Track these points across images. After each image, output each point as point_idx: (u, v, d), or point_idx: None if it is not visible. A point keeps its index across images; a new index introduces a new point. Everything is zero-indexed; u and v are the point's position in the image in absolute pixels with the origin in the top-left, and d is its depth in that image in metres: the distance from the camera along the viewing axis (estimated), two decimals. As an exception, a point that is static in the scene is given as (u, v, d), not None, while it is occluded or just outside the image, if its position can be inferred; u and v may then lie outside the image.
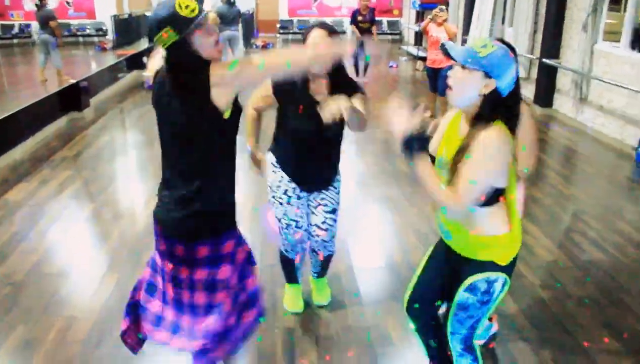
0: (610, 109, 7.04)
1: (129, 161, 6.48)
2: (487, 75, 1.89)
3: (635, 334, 3.11)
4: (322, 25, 2.74)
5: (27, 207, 4.85)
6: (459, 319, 2.22)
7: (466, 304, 2.16)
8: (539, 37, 8.97)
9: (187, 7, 1.81)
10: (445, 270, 2.28)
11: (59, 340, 3.01)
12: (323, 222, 3.03)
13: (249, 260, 2.21)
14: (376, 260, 3.98)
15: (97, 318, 3.23)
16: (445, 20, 7.52)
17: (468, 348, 2.29)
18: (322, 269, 3.35)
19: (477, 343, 2.83)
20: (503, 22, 10.93)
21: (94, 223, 4.61)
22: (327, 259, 3.27)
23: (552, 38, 8.42)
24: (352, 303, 3.42)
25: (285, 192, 2.95)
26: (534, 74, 9.12)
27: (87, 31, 18.60)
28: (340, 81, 2.76)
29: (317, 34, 2.67)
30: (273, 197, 2.99)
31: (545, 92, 8.68)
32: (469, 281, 2.12)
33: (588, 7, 7.32)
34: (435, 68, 7.62)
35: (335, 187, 3.04)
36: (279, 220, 3.03)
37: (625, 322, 3.23)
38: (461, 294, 2.16)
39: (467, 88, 1.93)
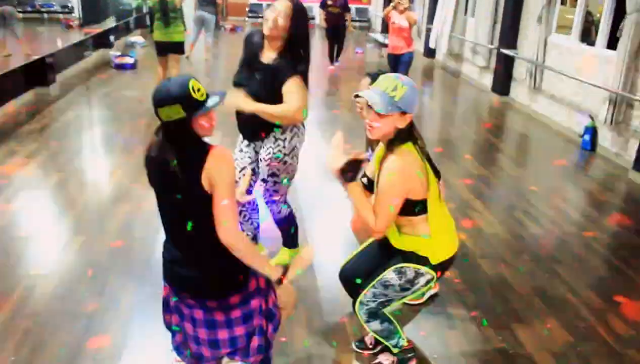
0: (561, 98, 7.43)
1: (95, 134, 6.58)
2: (404, 113, 2.22)
3: (562, 298, 3.44)
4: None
5: (-7, 176, 4.95)
6: (374, 293, 2.44)
7: (389, 283, 2.41)
8: (498, 27, 9.33)
9: (198, 90, 1.90)
10: (379, 255, 2.52)
11: (25, 296, 3.18)
12: (264, 175, 3.19)
13: (268, 282, 2.22)
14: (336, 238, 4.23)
15: (62, 275, 3.40)
16: (406, 8, 7.76)
17: (373, 314, 2.51)
18: (283, 237, 3.54)
19: (413, 301, 3.14)
20: (465, 13, 11.27)
21: (60, 191, 4.74)
22: (280, 224, 3.42)
23: (510, 29, 8.78)
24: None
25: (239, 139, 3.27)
26: (493, 63, 9.48)
27: (53, 8, 18.28)
28: (292, 53, 2.93)
29: (279, 4, 2.90)
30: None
31: (503, 81, 9.06)
32: (401, 265, 2.39)
33: (543, 0, 7.67)
34: (396, 54, 7.89)
35: (268, 157, 3.10)
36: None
37: (554, 289, 3.55)
38: (389, 273, 2.40)
39: (386, 128, 2.24)
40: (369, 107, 2.22)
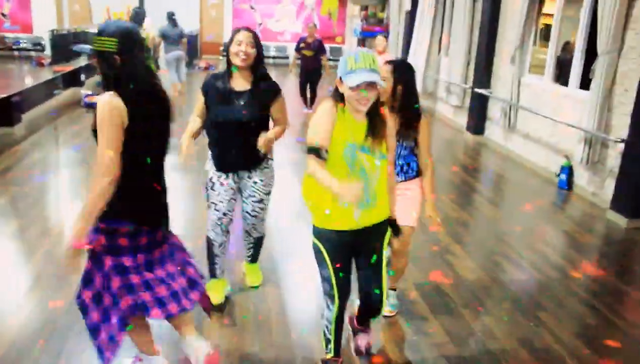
0: (536, 138, 7.43)
1: (60, 178, 6.31)
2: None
3: (548, 348, 3.29)
4: (248, 29, 3.29)
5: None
6: (386, 278, 2.73)
7: (387, 260, 2.73)
8: (472, 67, 9.41)
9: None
10: (353, 252, 2.68)
11: (-27, 359, 2.91)
12: (252, 210, 3.54)
13: None
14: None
15: (17, 334, 3.13)
16: (384, 48, 7.75)
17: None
18: (255, 252, 3.82)
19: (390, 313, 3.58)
20: (439, 52, 11.39)
21: (19, 240, 4.47)
22: (258, 242, 3.77)
23: (483, 69, 8.84)
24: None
25: (210, 179, 3.44)
26: (467, 102, 9.53)
27: (23, 45, 18.04)
28: (261, 80, 3.31)
29: (242, 36, 3.22)
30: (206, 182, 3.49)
31: (478, 121, 9.08)
32: (388, 238, 2.69)
33: (516, 41, 7.75)
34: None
35: (264, 178, 3.47)
36: (208, 202, 3.49)
37: (540, 339, 3.40)
38: (384, 254, 2.67)
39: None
40: (370, 86, 2.37)
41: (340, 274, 2.59)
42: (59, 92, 10.70)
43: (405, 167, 3.26)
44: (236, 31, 3.26)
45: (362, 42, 16.28)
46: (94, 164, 2.28)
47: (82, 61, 14.29)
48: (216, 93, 3.28)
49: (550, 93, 7.25)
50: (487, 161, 8.09)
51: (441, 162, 8.01)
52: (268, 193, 3.54)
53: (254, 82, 3.29)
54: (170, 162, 2.62)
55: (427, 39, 11.33)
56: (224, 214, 3.44)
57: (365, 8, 16.51)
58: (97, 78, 12.87)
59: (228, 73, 3.30)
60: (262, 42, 3.39)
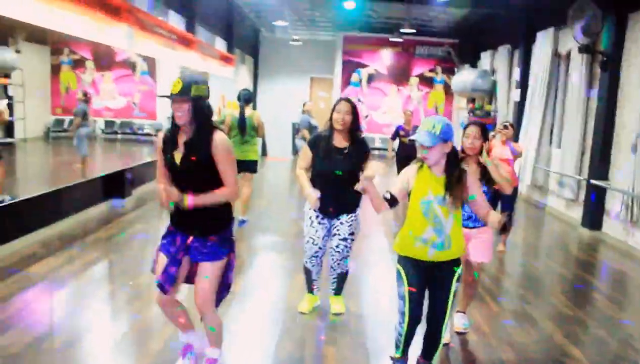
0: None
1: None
2: (445, 141, 3.02)
3: None
4: (347, 100, 4.09)
5: (48, 281, 4.78)
6: (452, 306, 3.17)
7: (456, 292, 3.19)
8: (587, 158, 8.78)
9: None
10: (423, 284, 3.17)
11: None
12: (337, 246, 4.22)
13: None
14: None
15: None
16: (509, 138, 6.88)
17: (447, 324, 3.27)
18: (338, 286, 4.42)
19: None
20: (550, 143, 10.82)
21: (108, 304, 4.46)
22: (342, 277, 4.39)
23: (600, 159, 8.21)
24: None
25: (309, 217, 4.22)
26: (582, 196, 8.83)
27: (146, 130, 19.54)
28: (356, 141, 4.12)
29: (342, 106, 4.04)
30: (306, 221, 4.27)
31: (594, 215, 8.32)
32: (460, 271, 3.16)
33: (637, 128, 7.14)
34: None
35: (350, 221, 4.18)
36: (305, 237, 4.29)
37: None
38: (454, 285, 3.14)
39: (436, 155, 3.04)
40: (421, 145, 3.03)
41: (413, 296, 3.12)
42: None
43: (474, 216, 3.84)
44: (337, 102, 4.11)
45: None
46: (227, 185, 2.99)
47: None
48: (319, 150, 4.09)
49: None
50: (606, 258, 7.30)
51: (553, 257, 7.34)
52: (352, 233, 4.21)
53: (350, 142, 4.09)
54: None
55: (537, 130, 10.84)
56: (320, 247, 4.22)
57: (472, 100, 16.33)
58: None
59: (330, 133, 4.10)
60: (367, 134, 3.94)
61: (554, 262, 7.01)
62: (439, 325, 3.18)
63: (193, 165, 2.91)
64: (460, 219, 3.11)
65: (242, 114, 7.05)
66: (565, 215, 9.56)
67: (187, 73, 3.02)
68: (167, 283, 3.00)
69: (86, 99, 10.57)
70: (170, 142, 2.98)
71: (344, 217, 4.16)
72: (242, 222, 7.19)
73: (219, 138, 2.93)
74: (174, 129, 2.98)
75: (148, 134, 19.50)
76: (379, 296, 4.92)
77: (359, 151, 4.08)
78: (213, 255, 3.00)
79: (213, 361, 3.23)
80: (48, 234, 6.22)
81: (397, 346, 3.29)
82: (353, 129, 4.08)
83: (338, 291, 4.46)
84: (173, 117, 2.95)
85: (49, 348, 3.58)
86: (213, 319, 3.16)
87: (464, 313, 4.27)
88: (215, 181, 2.96)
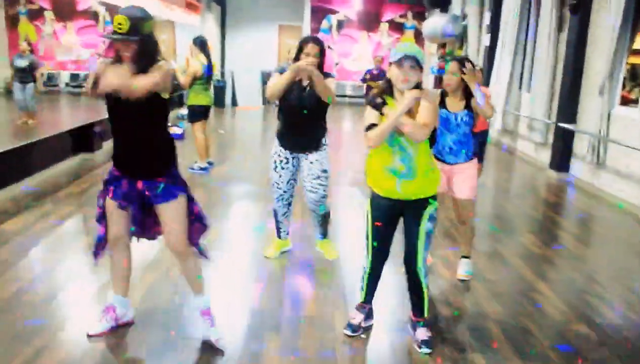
0: (628, 174, 6.84)
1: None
2: (422, 69, 3.03)
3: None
4: (316, 41, 3.90)
5: (23, 237, 4.74)
6: (425, 246, 3.10)
7: (430, 232, 3.11)
8: (556, 102, 8.91)
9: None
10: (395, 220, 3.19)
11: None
12: (312, 186, 4.15)
13: None
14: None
15: (70, 348, 3.04)
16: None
17: (426, 267, 3.17)
18: (322, 228, 4.43)
19: None
20: (520, 88, 10.93)
21: (87, 255, 4.46)
22: (324, 218, 4.37)
23: (568, 102, 8.35)
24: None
25: (274, 161, 4.16)
26: (550, 138, 9.01)
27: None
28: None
29: (311, 49, 3.84)
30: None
31: (562, 157, 8.53)
32: (434, 209, 3.10)
33: (605, 71, 7.25)
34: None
35: (320, 158, 4.09)
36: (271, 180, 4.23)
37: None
38: (426, 224, 3.07)
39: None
40: (412, 69, 2.93)
41: (377, 231, 3.15)
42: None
43: (461, 151, 3.96)
44: (304, 41, 3.89)
45: (439, 80, 16.03)
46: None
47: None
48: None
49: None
50: (572, 199, 7.53)
51: (523, 199, 7.54)
52: (324, 171, 4.12)
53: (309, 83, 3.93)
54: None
55: (507, 75, 10.92)
56: (284, 191, 4.21)
57: (442, 46, 16.26)
58: (177, 112, 13.29)
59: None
60: (339, 81, 3.82)
61: (524, 203, 7.21)
62: (414, 267, 3.13)
63: (134, 101, 2.74)
64: (427, 150, 3.04)
65: (209, 60, 7.23)
66: (534, 159, 9.77)
67: (129, 8, 2.76)
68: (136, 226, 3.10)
69: (31, 49, 10.26)
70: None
71: (313, 156, 4.09)
72: (209, 165, 7.49)
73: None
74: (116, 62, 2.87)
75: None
76: (354, 241, 4.99)
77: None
78: (169, 195, 2.97)
79: (208, 311, 3.20)
80: (18, 191, 6.13)
81: (361, 289, 3.33)
82: (318, 67, 3.84)
83: (324, 235, 4.48)
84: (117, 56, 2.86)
85: (30, 300, 3.59)
86: (195, 263, 3.16)
87: (468, 258, 4.25)
88: (160, 114, 3.03)
